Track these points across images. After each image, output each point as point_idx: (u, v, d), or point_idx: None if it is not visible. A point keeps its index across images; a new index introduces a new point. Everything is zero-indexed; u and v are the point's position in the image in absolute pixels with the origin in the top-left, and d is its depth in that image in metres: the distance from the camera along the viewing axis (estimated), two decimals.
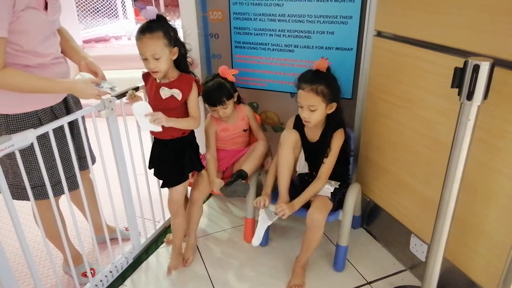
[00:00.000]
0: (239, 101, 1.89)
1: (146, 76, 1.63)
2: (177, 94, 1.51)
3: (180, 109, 1.56)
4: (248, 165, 1.81)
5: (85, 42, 4.11)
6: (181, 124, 1.55)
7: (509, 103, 1.14)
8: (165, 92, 1.50)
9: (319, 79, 1.53)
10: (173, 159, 1.61)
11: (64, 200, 1.48)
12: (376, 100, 1.68)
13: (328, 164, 1.62)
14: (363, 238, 1.96)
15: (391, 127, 1.62)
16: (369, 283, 1.68)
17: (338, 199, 1.66)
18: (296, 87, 1.59)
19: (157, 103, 1.52)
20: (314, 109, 1.54)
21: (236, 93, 1.84)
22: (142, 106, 1.46)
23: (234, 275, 1.75)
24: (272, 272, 1.75)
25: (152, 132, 1.64)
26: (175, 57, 1.49)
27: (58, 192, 1.48)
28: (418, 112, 1.47)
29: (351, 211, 1.66)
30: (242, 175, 1.76)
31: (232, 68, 2.03)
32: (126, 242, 1.85)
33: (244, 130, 1.91)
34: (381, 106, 1.66)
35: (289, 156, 1.65)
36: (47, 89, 1.35)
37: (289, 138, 1.65)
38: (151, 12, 1.43)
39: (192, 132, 1.66)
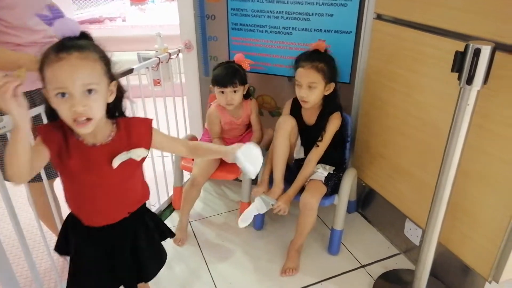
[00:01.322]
0: (248, 95, 1.86)
1: (49, 132, 0.94)
2: (138, 155, 0.99)
3: (140, 171, 1.09)
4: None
5: (79, 23, 4.04)
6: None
7: (509, 88, 1.13)
8: (120, 159, 0.96)
9: (319, 58, 1.55)
10: (140, 241, 1.10)
11: (58, 183, 1.46)
12: (374, 84, 1.67)
13: (321, 148, 1.62)
14: (358, 222, 1.97)
15: (388, 112, 1.61)
16: (363, 266, 1.70)
17: (333, 184, 1.66)
18: (294, 67, 1.58)
19: (99, 179, 0.98)
20: (314, 86, 1.54)
21: (247, 85, 1.81)
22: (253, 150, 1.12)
23: (229, 258, 1.76)
24: (267, 256, 1.76)
25: (91, 221, 1.06)
26: (112, 97, 0.95)
27: (52, 175, 1.46)
28: (417, 97, 1.45)
29: (347, 196, 1.66)
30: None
31: (229, 49, 1.99)
32: None
33: (246, 124, 1.92)
34: (379, 91, 1.64)
35: (284, 143, 1.64)
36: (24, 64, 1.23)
37: (285, 125, 1.64)
38: (71, 25, 0.90)
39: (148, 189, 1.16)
